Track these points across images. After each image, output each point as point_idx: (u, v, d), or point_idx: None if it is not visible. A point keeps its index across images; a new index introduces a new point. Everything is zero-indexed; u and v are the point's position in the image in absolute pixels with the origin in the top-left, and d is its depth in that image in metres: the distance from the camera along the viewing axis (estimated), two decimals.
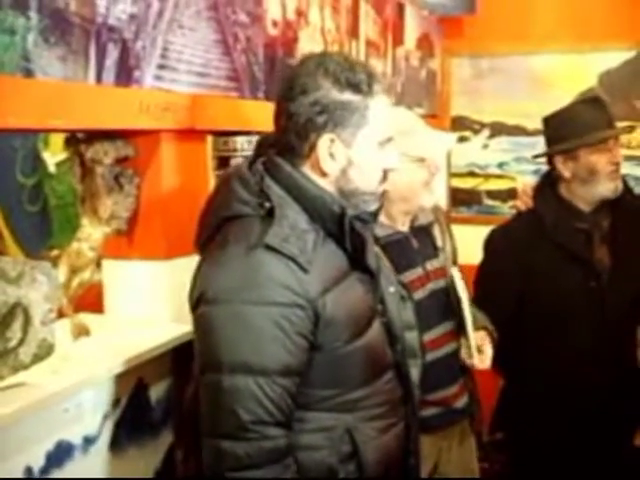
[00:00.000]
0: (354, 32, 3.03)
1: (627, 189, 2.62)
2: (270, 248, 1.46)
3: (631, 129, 2.77)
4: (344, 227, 1.56)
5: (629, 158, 3.90)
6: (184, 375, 1.94)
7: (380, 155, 1.60)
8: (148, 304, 2.00)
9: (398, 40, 3.53)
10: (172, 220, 2.02)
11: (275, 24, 2.46)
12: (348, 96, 1.53)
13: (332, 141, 1.53)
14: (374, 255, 1.71)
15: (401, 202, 2.14)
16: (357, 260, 1.62)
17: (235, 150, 2.23)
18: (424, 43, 3.90)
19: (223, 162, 2.24)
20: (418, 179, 2.12)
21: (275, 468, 1.46)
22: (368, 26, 3.16)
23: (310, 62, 1.56)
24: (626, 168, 3.81)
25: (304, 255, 1.48)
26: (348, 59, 1.59)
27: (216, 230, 1.57)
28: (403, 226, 2.21)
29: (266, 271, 1.46)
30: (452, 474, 2.34)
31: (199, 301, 1.50)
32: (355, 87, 1.53)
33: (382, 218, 2.10)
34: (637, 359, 2.78)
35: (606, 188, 2.52)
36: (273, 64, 2.46)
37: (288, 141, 1.55)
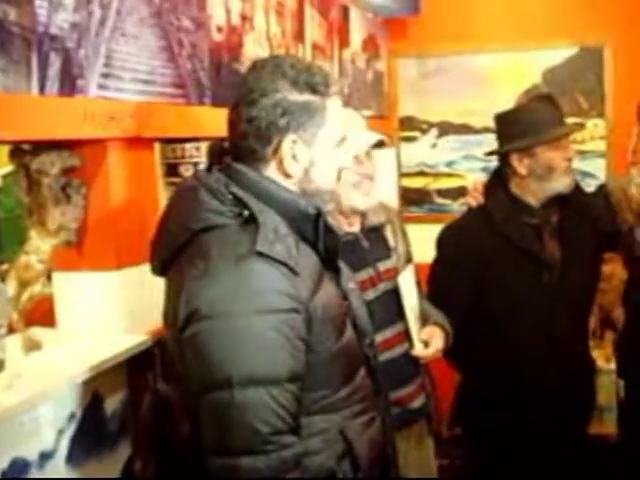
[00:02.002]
0: (300, 36, 3.03)
1: (575, 184, 2.67)
2: (261, 255, 1.44)
3: (581, 126, 2.82)
4: (319, 229, 1.57)
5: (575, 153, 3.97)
6: (139, 386, 1.93)
7: (337, 154, 1.63)
8: (100, 315, 1.97)
9: (344, 42, 3.54)
10: (121, 229, 1.99)
11: (220, 29, 2.45)
12: (307, 97, 1.55)
13: (294, 142, 1.54)
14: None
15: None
16: (328, 260, 1.63)
17: (183, 157, 2.22)
18: (370, 45, 3.92)
19: (172, 169, 2.22)
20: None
21: (295, 475, 1.46)
22: (314, 29, 3.16)
23: (266, 65, 1.57)
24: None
25: (292, 259, 1.48)
26: (302, 61, 1.62)
27: (186, 244, 1.53)
28: (351, 227, 2.21)
29: (261, 279, 1.44)
30: (411, 476, 2.35)
31: (190, 320, 1.45)
32: (313, 88, 1.55)
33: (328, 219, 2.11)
34: (589, 349, 2.84)
35: (561, 183, 2.57)
36: (219, 69, 2.45)
37: (249, 146, 1.55)
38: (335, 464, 1.56)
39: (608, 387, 3.39)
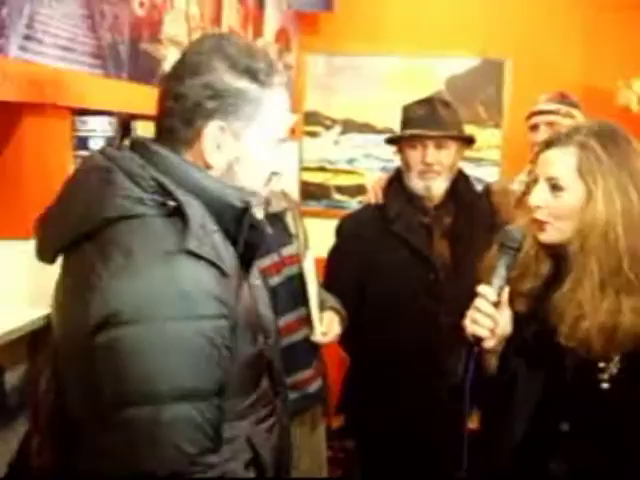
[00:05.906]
0: (217, 20, 3.00)
1: (469, 188, 2.75)
2: (191, 254, 1.28)
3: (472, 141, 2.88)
4: (243, 224, 1.43)
5: (470, 159, 4.11)
6: (39, 361, 1.87)
7: (270, 154, 1.49)
8: (6, 285, 1.89)
9: (258, 31, 3.53)
10: (31, 198, 1.91)
11: (142, 4, 2.40)
12: (244, 84, 1.40)
13: (222, 130, 1.40)
14: None
15: None
16: (246, 258, 1.49)
17: (95, 130, 2.15)
18: (282, 37, 3.92)
19: (81, 142, 2.15)
20: None
21: None
22: (231, 15, 3.14)
23: (207, 41, 1.44)
24: (467, 169, 4.02)
25: (220, 259, 1.33)
26: (249, 44, 1.49)
27: (93, 232, 1.33)
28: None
29: (192, 280, 1.28)
30: (303, 462, 2.37)
31: (107, 323, 1.25)
32: (253, 75, 1.41)
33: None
34: None
35: (414, 185, 2.63)
36: (137, 45, 2.40)
37: (170, 125, 1.41)
38: (242, 472, 1.44)
39: None
